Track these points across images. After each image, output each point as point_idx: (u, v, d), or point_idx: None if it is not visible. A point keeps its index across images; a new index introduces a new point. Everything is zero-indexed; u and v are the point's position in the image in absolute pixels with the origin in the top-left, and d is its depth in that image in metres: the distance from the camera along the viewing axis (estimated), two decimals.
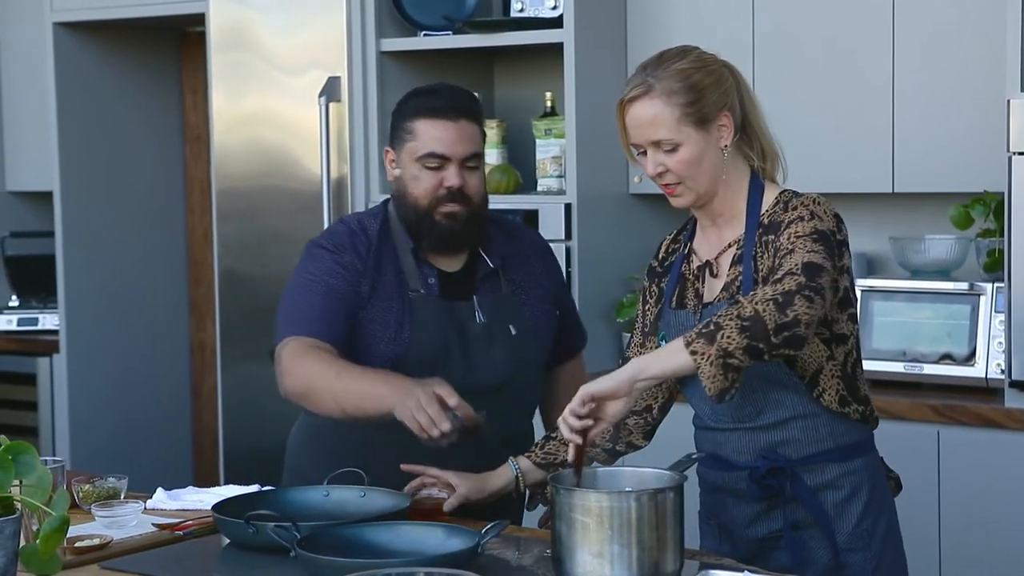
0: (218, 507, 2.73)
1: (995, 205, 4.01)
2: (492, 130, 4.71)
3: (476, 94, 3.16)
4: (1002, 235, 3.89)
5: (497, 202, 4.55)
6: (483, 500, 2.84)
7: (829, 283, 2.49)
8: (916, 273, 4.20)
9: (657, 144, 2.61)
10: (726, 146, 2.64)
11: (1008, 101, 3.74)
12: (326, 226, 4.71)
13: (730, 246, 2.68)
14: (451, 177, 3.02)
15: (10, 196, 6.12)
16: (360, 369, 2.90)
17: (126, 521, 2.78)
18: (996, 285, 3.94)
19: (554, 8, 4.60)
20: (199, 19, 5.17)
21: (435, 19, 4.75)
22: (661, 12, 4.54)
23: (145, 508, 2.90)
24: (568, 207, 4.46)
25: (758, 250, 2.62)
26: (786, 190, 2.69)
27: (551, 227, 4.46)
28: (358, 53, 4.75)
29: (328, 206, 4.72)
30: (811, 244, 2.51)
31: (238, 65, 4.99)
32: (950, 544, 3.87)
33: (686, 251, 2.76)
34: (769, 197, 2.68)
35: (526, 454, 2.85)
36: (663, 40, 4.50)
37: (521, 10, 4.69)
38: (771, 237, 2.59)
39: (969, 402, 3.88)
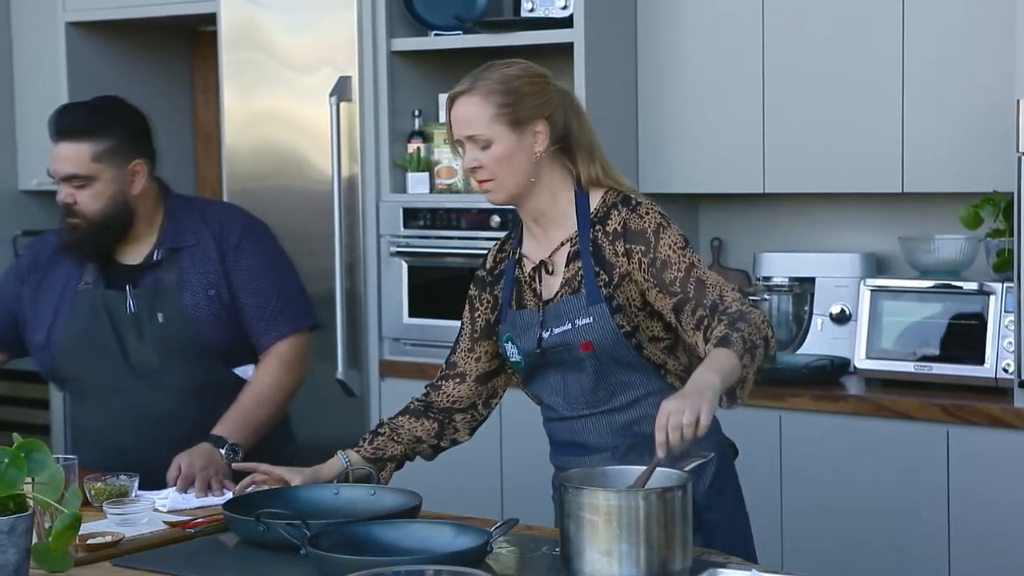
0: (229, 505, 2.75)
1: (1005, 205, 4.01)
2: None
3: (102, 113, 3.34)
4: (1012, 235, 3.89)
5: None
6: None
7: None
8: (926, 273, 4.20)
9: (473, 140, 2.79)
10: (539, 152, 2.80)
11: (1018, 101, 3.73)
12: (337, 225, 4.73)
13: (563, 244, 2.84)
14: (59, 193, 3.31)
15: (22, 195, 6.14)
16: None
17: (137, 519, 2.80)
18: (1006, 285, 3.94)
19: (564, 8, 4.60)
20: (211, 18, 5.19)
21: (446, 19, 4.76)
22: (671, 12, 4.54)
23: (168, 510, 2.92)
24: None
25: (601, 244, 2.78)
26: (608, 190, 2.85)
27: None
28: (369, 52, 4.76)
29: (339, 205, 4.74)
30: (695, 257, 2.77)
31: (249, 64, 5.00)
32: (960, 544, 3.87)
33: (516, 257, 2.91)
34: (595, 197, 2.84)
35: (355, 448, 2.96)
36: (673, 39, 4.53)
37: (531, 10, 4.69)
38: (634, 246, 2.76)
39: (978, 402, 3.88)
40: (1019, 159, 3.74)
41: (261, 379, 3.41)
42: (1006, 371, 3.90)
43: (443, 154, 4.75)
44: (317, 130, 4.84)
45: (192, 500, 2.99)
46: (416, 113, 4.80)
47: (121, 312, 3.31)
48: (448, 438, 3.01)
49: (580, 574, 2.35)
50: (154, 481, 3.09)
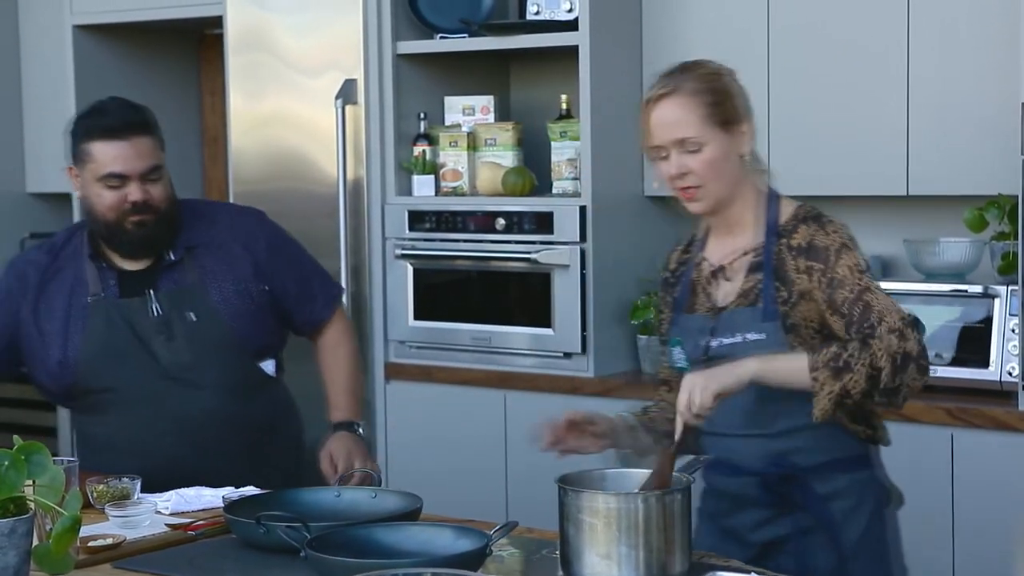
0: (230, 507, 2.75)
1: (1010, 208, 4.00)
2: (508, 132, 4.72)
3: (146, 107, 3.31)
4: (1016, 238, 3.88)
5: (512, 204, 4.60)
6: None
7: None
8: (930, 276, 4.19)
9: (681, 143, 2.63)
10: (744, 154, 2.67)
11: (1022, 104, 3.73)
12: (342, 227, 4.74)
13: (745, 254, 2.70)
14: (133, 193, 3.21)
15: (30, 197, 6.15)
16: None
17: (139, 521, 2.80)
18: (1011, 288, 3.93)
19: (570, 11, 4.61)
20: (217, 21, 5.19)
21: (451, 22, 4.77)
22: (677, 15, 4.54)
23: (170, 512, 2.92)
24: (583, 209, 4.46)
25: (784, 258, 2.65)
26: (802, 204, 2.72)
27: (566, 230, 4.47)
28: (374, 55, 4.77)
29: (344, 208, 4.74)
30: (874, 283, 2.60)
31: (255, 67, 5.01)
32: (964, 547, 3.86)
33: (697, 260, 2.79)
34: (787, 209, 2.71)
35: (633, 413, 2.85)
36: (679, 43, 4.52)
37: (537, 13, 4.70)
38: (814, 263, 2.63)
39: (983, 405, 3.87)
40: (1023, 162, 3.73)
41: (341, 352, 3.48)
42: (1011, 374, 3.89)
43: (448, 157, 4.76)
44: (323, 133, 4.84)
45: (194, 502, 2.99)
46: (421, 116, 4.80)
47: (143, 317, 3.26)
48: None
49: None
50: (198, 482, 3.07)
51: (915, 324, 2.57)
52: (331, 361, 3.48)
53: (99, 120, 3.23)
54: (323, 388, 3.48)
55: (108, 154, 3.20)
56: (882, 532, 2.71)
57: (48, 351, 3.29)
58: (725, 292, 2.72)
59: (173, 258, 3.30)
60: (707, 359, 2.67)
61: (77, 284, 3.30)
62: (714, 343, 2.68)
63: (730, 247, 2.74)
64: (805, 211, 2.70)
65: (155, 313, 3.26)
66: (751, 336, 2.64)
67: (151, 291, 3.27)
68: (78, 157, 3.25)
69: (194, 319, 3.27)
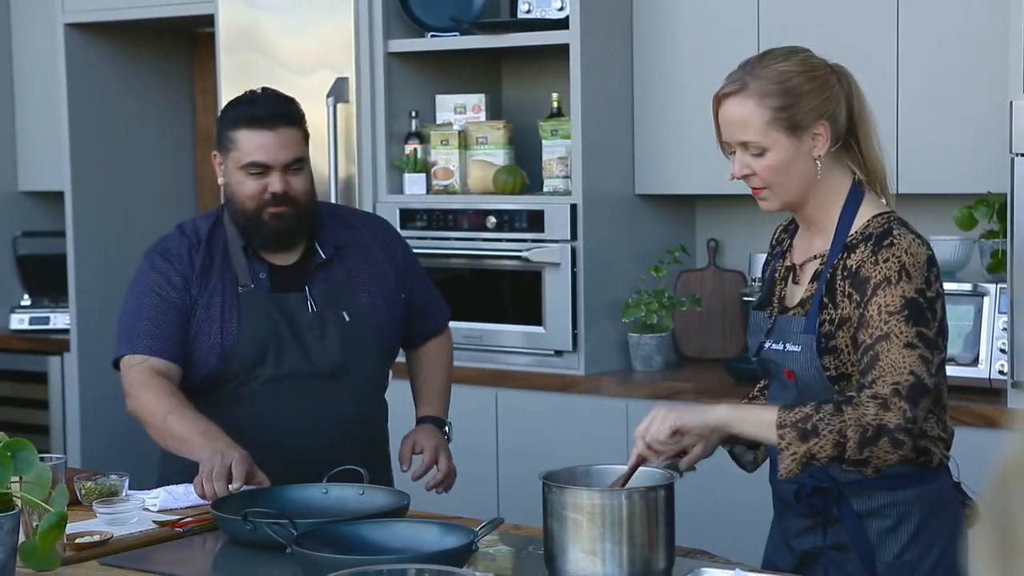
0: (217, 504, 2.75)
1: (999, 206, 4.01)
2: (499, 131, 4.73)
3: (295, 99, 3.28)
4: (1005, 236, 3.89)
5: (503, 202, 4.60)
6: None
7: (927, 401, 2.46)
8: None
9: (745, 145, 2.53)
10: (820, 156, 2.53)
11: (1011, 103, 3.74)
12: None
13: (816, 257, 2.59)
14: (275, 183, 3.17)
15: (22, 196, 6.15)
16: (188, 415, 3.04)
17: (127, 518, 2.80)
18: (1000, 286, 3.94)
19: (560, 9, 4.62)
20: (209, 20, 5.20)
21: (442, 20, 4.77)
22: (667, 13, 4.55)
23: (158, 509, 2.92)
24: (574, 208, 4.47)
25: (836, 277, 2.53)
26: (881, 214, 2.55)
27: (557, 228, 4.47)
28: (366, 54, 4.77)
29: None
30: (904, 327, 2.42)
31: (247, 66, 5.02)
32: None
33: (786, 248, 2.70)
34: (862, 217, 2.55)
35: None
36: (669, 42, 4.53)
37: (528, 11, 4.71)
38: (854, 292, 2.49)
39: (972, 403, 3.87)
40: (1012, 160, 3.74)
41: (441, 359, 3.49)
42: (1000, 372, 3.90)
43: (439, 155, 4.77)
44: (314, 131, 4.75)
45: (182, 499, 2.99)
46: (413, 114, 4.81)
47: (299, 312, 3.20)
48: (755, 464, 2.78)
49: (563, 573, 2.36)
50: (312, 478, 2.96)
51: (913, 392, 2.41)
52: (431, 363, 3.47)
53: (247, 109, 3.19)
54: (414, 387, 3.48)
55: (253, 143, 3.16)
56: (925, 555, 2.55)
57: (205, 338, 3.19)
58: (792, 295, 2.63)
59: (324, 256, 3.26)
60: (758, 358, 2.64)
61: (227, 273, 3.23)
62: (767, 344, 2.61)
63: (808, 247, 2.63)
64: (875, 225, 2.52)
65: (311, 309, 3.22)
66: (789, 347, 2.55)
67: (307, 287, 3.23)
68: (223, 144, 3.20)
69: (347, 319, 3.23)
